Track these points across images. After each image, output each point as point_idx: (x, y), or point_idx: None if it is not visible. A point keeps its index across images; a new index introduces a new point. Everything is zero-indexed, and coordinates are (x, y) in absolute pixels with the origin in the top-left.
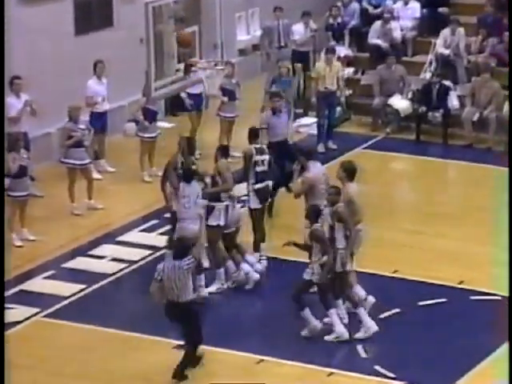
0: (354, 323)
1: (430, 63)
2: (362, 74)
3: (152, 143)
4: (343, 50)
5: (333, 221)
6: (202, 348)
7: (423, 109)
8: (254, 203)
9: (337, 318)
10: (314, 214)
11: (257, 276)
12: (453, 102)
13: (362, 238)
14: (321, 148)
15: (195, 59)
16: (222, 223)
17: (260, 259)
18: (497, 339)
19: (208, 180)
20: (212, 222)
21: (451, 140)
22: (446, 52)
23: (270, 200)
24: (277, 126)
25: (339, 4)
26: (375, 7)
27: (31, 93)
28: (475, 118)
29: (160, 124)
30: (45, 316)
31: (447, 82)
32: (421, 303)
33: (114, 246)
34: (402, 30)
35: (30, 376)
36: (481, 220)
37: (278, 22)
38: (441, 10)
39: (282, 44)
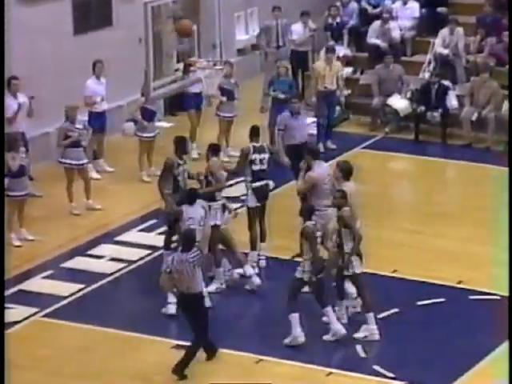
0: (354, 323)
1: (429, 63)
2: (361, 73)
3: (151, 143)
4: (342, 50)
5: (340, 226)
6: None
7: (422, 108)
8: (252, 201)
9: (333, 315)
10: (307, 213)
11: (258, 281)
12: (452, 101)
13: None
14: (320, 148)
15: (194, 59)
16: (218, 222)
17: (259, 259)
18: (496, 339)
19: (202, 177)
20: (209, 221)
21: (450, 140)
22: (445, 52)
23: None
24: (295, 128)
25: (338, 4)
26: (374, 7)
27: (30, 92)
28: (474, 117)
29: (159, 124)
30: (44, 316)
31: (446, 82)
32: (420, 303)
33: (113, 246)
34: (400, 29)
35: (29, 376)
36: (480, 220)
37: (276, 22)
38: (440, 9)
39: (281, 44)
